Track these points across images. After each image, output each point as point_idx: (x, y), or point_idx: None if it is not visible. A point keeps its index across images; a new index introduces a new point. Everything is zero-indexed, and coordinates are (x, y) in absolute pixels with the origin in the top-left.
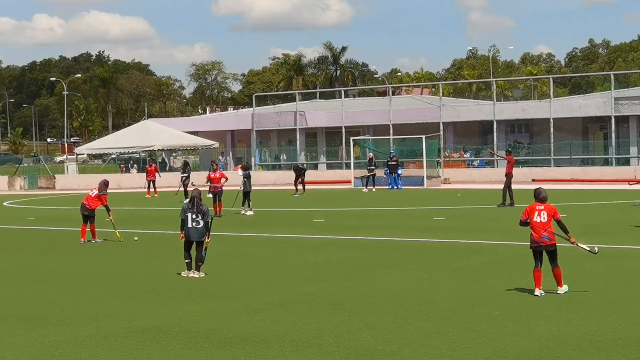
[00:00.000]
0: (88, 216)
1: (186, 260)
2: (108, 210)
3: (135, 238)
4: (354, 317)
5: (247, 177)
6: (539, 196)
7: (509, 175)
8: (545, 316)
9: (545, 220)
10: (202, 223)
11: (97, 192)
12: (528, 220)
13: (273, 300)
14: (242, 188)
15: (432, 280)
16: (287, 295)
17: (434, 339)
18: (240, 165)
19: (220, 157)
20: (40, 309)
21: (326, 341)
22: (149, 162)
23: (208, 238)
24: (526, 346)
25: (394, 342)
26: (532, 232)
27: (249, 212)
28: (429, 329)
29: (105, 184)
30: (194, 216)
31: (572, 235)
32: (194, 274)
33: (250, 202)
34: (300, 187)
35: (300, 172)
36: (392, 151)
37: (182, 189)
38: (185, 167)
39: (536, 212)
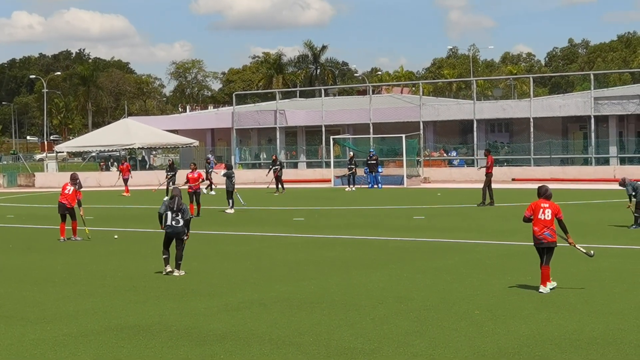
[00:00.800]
0: (69, 214)
1: (164, 256)
2: (80, 205)
3: (115, 236)
4: (334, 315)
5: (227, 177)
6: (545, 193)
7: (488, 175)
8: (525, 315)
9: (549, 218)
10: (181, 221)
11: (71, 187)
12: (532, 217)
13: (253, 299)
14: (226, 187)
15: (412, 279)
16: (267, 294)
17: (413, 337)
18: (224, 165)
19: (210, 156)
20: (19, 308)
21: (306, 339)
22: (122, 160)
23: (187, 236)
24: (505, 345)
25: (374, 340)
26: (535, 229)
27: (229, 210)
28: (408, 328)
29: (77, 178)
30: (174, 215)
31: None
32: (175, 272)
33: (231, 201)
34: (279, 186)
35: (275, 167)
36: (372, 150)
37: (163, 187)
38: (172, 166)
39: (541, 210)
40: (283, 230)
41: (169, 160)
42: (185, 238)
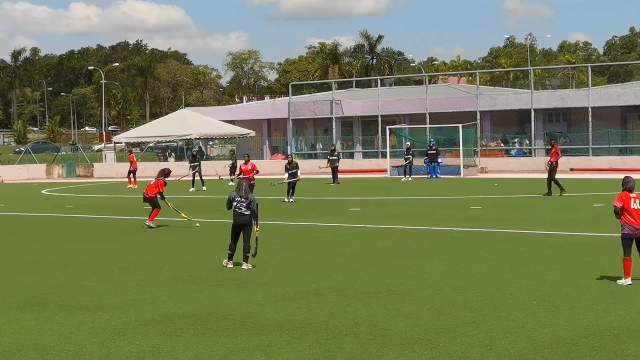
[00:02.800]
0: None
1: (229, 251)
2: (163, 198)
3: (197, 224)
4: (390, 305)
5: (287, 170)
6: (628, 185)
7: (552, 164)
8: (583, 306)
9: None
10: (248, 210)
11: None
12: (621, 207)
13: (309, 289)
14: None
15: (468, 270)
16: (323, 284)
17: (470, 328)
18: (282, 155)
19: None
20: (78, 296)
21: (362, 329)
22: (128, 152)
23: (257, 227)
24: (563, 336)
25: (430, 331)
26: (630, 219)
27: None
28: (465, 318)
29: (163, 172)
30: (239, 204)
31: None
32: (243, 265)
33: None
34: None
35: (332, 157)
36: (432, 140)
37: (188, 178)
38: (195, 157)
39: (632, 200)
40: (339, 221)
41: (193, 150)
42: (255, 230)
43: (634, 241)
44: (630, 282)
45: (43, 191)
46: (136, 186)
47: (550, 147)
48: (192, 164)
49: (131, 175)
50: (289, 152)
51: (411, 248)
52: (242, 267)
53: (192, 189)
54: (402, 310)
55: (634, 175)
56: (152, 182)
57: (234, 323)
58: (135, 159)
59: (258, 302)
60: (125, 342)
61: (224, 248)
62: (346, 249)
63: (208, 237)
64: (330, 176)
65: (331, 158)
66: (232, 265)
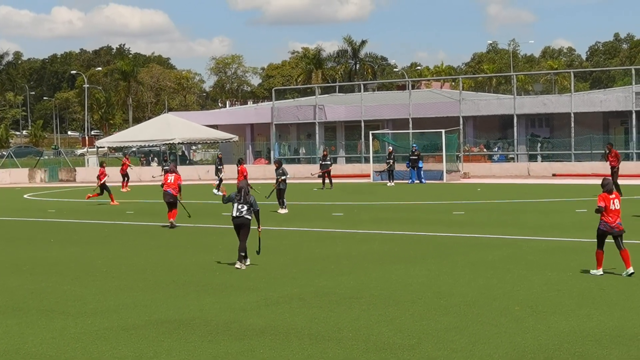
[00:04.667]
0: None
1: (241, 253)
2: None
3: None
4: (373, 310)
5: (284, 174)
6: (607, 186)
7: (613, 168)
8: (565, 311)
9: (619, 207)
10: (245, 212)
11: (172, 176)
12: (604, 207)
13: (292, 294)
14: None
15: (451, 275)
16: (306, 288)
17: (453, 333)
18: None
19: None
20: (61, 301)
21: (345, 334)
22: (125, 155)
23: (260, 227)
24: (546, 341)
25: (413, 336)
26: (608, 218)
27: (283, 211)
28: (448, 324)
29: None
30: (239, 206)
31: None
32: (237, 264)
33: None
34: (326, 181)
35: (325, 162)
36: (414, 145)
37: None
38: (221, 161)
39: (611, 200)
40: (322, 225)
41: (218, 155)
42: (258, 230)
43: (607, 237)
44: (601, 272)
45: (25, 195)
46: (128, 190)
47: (607, 151)
48: (218, 167)
49: (125, 179)
50: (275, 158)
51: (394, 253)
52: (235, 265)
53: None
54: (385, 315)
55: (620, 181)
56: (171, 181)
57: (217, 328)
58: (127, 164)
59: (241, 307)
60: (107, 347)
61: (207, 252)
62: (329, 254)
63: (192, 241)
64: (319, 181)
65: (323, 163)
66: (244, 267)
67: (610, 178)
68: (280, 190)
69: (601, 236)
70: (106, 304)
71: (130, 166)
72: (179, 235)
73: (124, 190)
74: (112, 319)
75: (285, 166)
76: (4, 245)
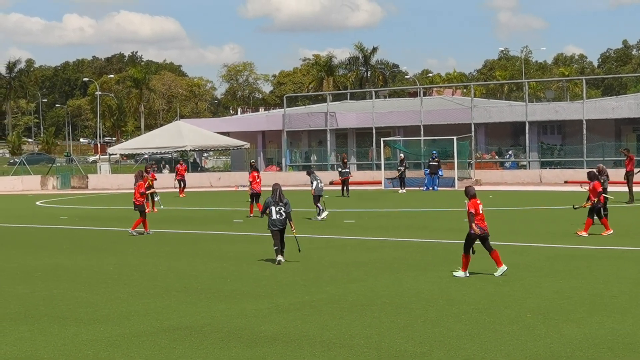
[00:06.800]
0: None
1: (274, 247)
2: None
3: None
4: (384, 318)
5: (315, 180)
6: (470, 192)
7: (629, 172)
8: (577, 319)
9: (482, 212)
10: (284, 214)
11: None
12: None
13: (303, 301)
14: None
15: (462, 282)
16: (318, 296)
17: (465, 340)
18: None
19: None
20: (73, 308)
21: (357, 342)
22: (180, 161)
23: (293, 227)
24: (558, 349)
25: (425, 343)
26: (478, 223)
27: (323, 216)
28: (460, 331)
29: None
30: (277, 208)
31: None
32: (279, 257)
33: (321, 205)
34: (345, 188)
35: (344, 170)
36: (435, 152)
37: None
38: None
39: (480, 206)
40: (332, 232)
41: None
42: (292, 229)
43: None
44: (460, 275)
45: (37, 202)
46: (183, 196)
47: (625, 157)
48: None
49: (180, 184)
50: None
51: (405, 260)
52: (281, 259)
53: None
54: (396, 323)
55: (635, 188)
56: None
57: (228, 335)
58: (182, 168)
59: (252, 314)
60: (119, 354)
61: (217, 260)
62: (340, 261)
63: (201, 249)
64: (339, 188)
65: (342, 171)
66: (280, 258)
67: (472, 186)
68: (317, 196)
69: (472, 241)
70: (118, 310)
71: (186, 171)
72: (190, 242)
73: (182, 195)
74: (124, 326)
75: (295, 173)
76: (16, 252)
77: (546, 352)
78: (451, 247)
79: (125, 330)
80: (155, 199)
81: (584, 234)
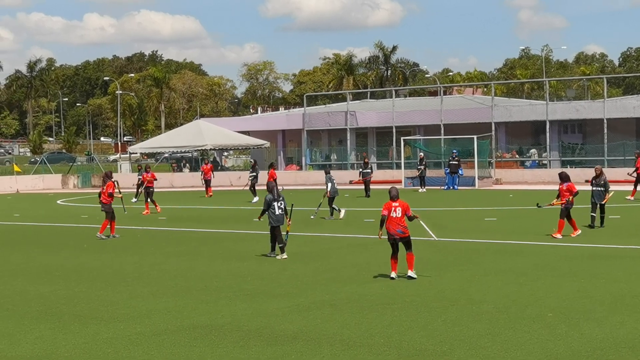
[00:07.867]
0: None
1: (279, 245)
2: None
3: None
4: (405, 317)
5: (330, 181)
6: (391, 194)
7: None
8: (598, 318)
9: (400, 215)
10: (283, 210)
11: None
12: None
13: (323, 300)
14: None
15: (483, 281)
16: (338, 295)
17: (486, 340)
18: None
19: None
20: (93, 307)
21: (377, 341)
22: (205, 161)
23: (289, 222)
24: (579, 348)
25: (446, 342)
26: (389, 226)
27: (341, 215)
28: (481, 330)
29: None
30: (278, 204)
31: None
32: (278, 255)
33: (336, 206)
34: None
35: (366, 170)
36: (455, 150)
37: (247, 187)
38: (255, 167)
39: (392, 209)
40: (353, 231)
41: (253, 160)
42: (287, 224)
43: (399, 244)
44: (393, 276)
45: (58, 201)
46: (210, 195)
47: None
48: (251, 174)
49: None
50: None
51: (425, 259)
52: (277, 257)
53: (134, 199)
54: (417, 322)
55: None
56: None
57: (249, 334)
58: (208, 168)
59: (272, 313)
60: (139, 352)
61: (237, 259)
62: (360, 260)
63: (222, 248)
64: (362, 188)
65: (364, 171)
66: (282, 256)
67: (394, 186)
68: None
69: (392, 244)
70: (138, 309)
71: (212, 172)
72: (209, 243)
73: (208, 195)
74: (144, 324)
75: (315, 172)
76: (37, 251)
77: (566, 351)
78: (472, 246)
79: (145, 328)
80: (134, 200)
81: (559, 235)
